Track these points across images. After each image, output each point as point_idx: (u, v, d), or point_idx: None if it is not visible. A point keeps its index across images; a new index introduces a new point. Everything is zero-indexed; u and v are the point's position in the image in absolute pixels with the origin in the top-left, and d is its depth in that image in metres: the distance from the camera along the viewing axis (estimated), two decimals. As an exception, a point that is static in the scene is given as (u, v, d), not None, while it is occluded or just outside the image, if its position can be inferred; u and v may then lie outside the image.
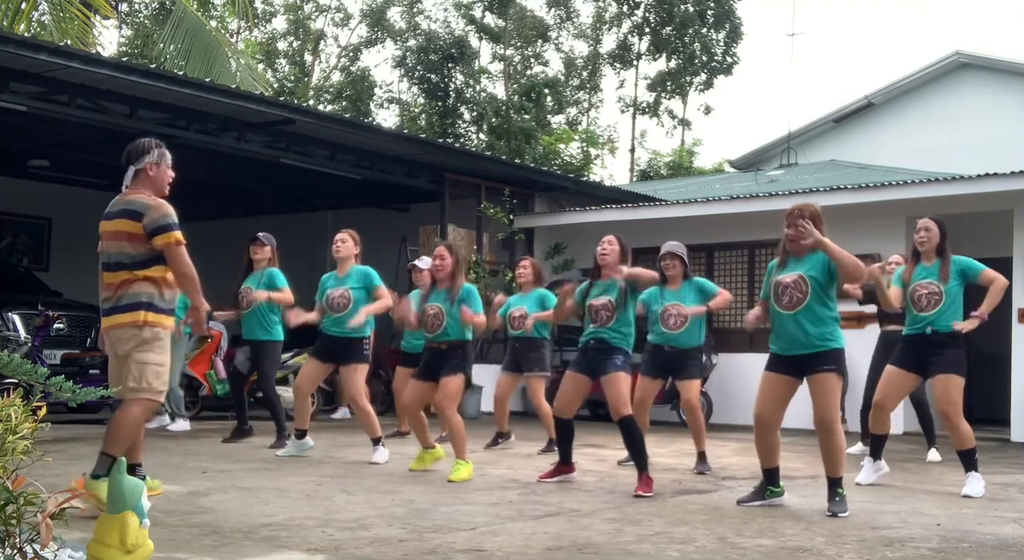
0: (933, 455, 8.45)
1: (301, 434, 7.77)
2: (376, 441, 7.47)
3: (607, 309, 6.15)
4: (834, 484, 5.47)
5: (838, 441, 5.47)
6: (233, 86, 11.84)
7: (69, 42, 11.27)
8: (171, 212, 4.98)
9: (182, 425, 9.69)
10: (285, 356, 11.66)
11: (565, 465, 6.52)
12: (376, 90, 33.51)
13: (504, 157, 20.44)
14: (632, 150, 32.54)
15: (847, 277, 5.48)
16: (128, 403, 4.92)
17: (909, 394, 8.23)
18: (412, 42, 31.80)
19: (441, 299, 6.74)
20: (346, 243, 7.69)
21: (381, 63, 44.44)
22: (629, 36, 32.34)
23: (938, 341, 6.27)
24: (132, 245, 4.94)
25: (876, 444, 6.76)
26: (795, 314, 5.45)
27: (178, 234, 4.96)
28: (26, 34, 11.20)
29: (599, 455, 8.30)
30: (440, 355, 6.71)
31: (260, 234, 8.54)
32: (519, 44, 33.03)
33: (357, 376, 7.58)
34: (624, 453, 6.94)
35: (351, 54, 34.53)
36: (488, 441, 8.76)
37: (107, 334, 5.03)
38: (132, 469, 4.67)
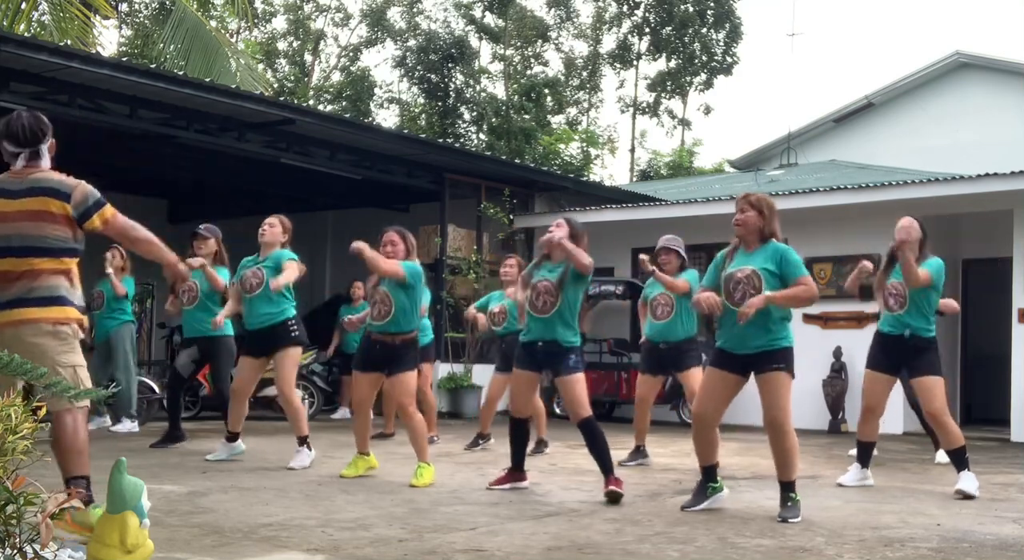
0: (941, 456, 8.36)
1: (233, 437, 7.41)
2: (302, 441, 7.06)
3: (550, 293, 5.82)
4: (786, 488, 5.17)
5: (790, 443, 5.18)
6: (233, 86, 11.84)
7: (69, 42, 11.27)
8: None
9: (129, 426, 9.35)
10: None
11: (518, 471, 6.15)
12: (376, 90, 33.51)
13: (504, 157, 20.43)
14: (632, 150, 32.58)
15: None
16: (70, 412, 4.10)
17: (908, 398, 8.24)
18: (412, 42, 31.80)
19: (388, 283, 6.38)
20: (274, 228, 7.23)
21: (381, 63, 44.39)
22: (629, 36, 32.35)
23: (917, 345, 6.24)
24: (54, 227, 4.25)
25: (863, 451, 6.61)
26: None
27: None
28: (26, 34, 11.20)
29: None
30: (390, 350, 6.34)
31: (201, 227, 7.93)
32: (519, 44, 33.02)
33: (291, 363, 7.16)
34: (623, 453, 6.92)
35: (351, 54, 34.54)
36: (468, 442, 8.71)
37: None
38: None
